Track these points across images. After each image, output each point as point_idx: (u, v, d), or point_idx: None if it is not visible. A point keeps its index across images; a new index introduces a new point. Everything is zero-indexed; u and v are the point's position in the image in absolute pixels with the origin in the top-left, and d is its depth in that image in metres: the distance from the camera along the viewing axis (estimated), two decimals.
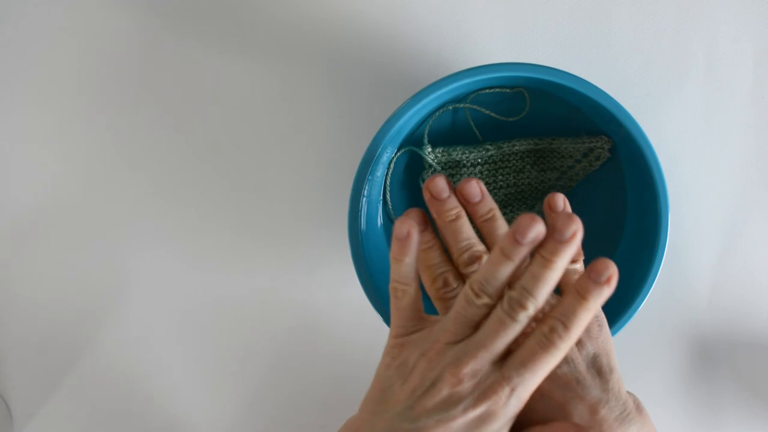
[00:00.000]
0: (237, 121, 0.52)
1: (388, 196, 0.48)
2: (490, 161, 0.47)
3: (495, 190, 0.48)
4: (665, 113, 0.51)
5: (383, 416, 0.34)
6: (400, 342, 0.37)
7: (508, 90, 0.47)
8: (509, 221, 0.48)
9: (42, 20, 0.52)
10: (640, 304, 0.45)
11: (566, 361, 0.37)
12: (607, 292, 0.32)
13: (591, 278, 0.32)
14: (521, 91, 0.47)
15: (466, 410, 0.33)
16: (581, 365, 0.37)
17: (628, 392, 0.39)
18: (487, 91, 0.47)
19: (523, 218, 0.33)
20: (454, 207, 0.39)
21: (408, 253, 0.36)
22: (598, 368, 0.38)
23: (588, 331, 0.38)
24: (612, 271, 0.32)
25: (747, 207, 0.51)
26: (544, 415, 0.36)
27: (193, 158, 0.52)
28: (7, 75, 0.52)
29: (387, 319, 0.45)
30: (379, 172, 0.47)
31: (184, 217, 0.52)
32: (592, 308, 0.32)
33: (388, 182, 0.48)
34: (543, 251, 0.33)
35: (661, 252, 0.44)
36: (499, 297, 0.34)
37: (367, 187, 0.45)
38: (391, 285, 0.37)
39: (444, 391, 0.33)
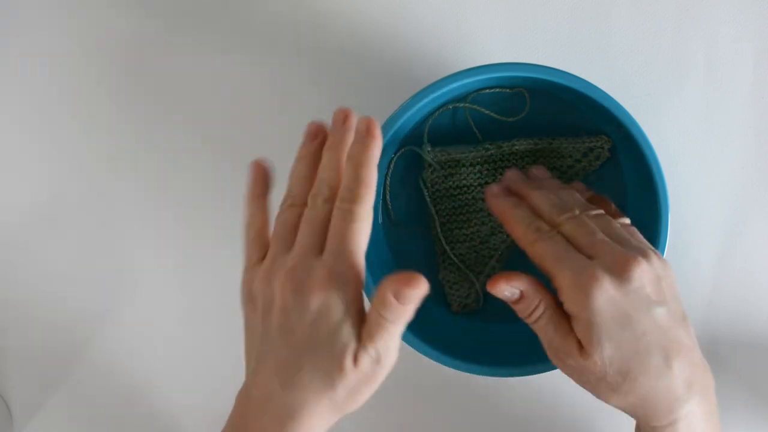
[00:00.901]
0: (237, 121, 0.52)
1: (388, 196, 0.48)
2: (490, 161, 0.47)
3: None
4: (665, 113, 0.51)
5: (251, 353, 0.36)
6: (247, 278, 0.37)
7: (508, 90, 0.47)
8: None
9: (42, 20, 0.52)
10: None
11: (660, 302, 0.36)
12: (372, 143, 0.35)
13: (355, 141, 0.35)
14: (521, 91, 0.47)
15: (302, 311, 0.33)
16: (673, 309, 0.37)
17: None
18: (487, 91, 0.47)
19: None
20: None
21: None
22: (681, 315, 0.37)
23: (670, 281, 0.38)
24: (364, 120, 0.35)
25: (747, 207, 0.51)
26: (657, 372, 0.35)
27: (193, 158, 0.52)
28: (8, 75, 0.52)
29: None
30: (380, 172, 0.47)
31: (184, 216, 0.52)
32: (368, 163, 0.35)
33: (388, 182, 0.48)
34: (325, 148, 0.37)
35: (661, 252, 0.44)
36: (305, 199, 0.37)
37: None
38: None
39: (278, 302, 0.34)
